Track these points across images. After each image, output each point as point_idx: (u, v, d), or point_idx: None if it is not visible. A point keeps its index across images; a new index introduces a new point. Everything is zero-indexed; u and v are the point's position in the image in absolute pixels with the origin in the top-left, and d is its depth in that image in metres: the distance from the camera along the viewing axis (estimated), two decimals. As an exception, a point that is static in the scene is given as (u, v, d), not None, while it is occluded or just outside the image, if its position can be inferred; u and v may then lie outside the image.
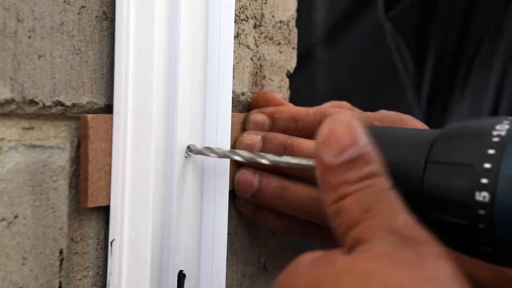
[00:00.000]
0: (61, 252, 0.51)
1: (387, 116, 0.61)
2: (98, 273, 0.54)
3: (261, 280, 0.64)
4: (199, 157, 0.56)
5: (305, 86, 1.34)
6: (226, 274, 0.61)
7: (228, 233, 0.61)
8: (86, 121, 0.51)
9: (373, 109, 0.63)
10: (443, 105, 0.99)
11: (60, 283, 0.51)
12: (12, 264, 0.48)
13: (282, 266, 0.66)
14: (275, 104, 0.61)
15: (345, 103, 0.67)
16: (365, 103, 1.39)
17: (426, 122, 1.00)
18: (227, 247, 0.61)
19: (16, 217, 0.48)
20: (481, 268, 0.68)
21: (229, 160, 0.58)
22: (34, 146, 0.49)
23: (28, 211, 0.49)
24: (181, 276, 0.55)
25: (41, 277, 0.50)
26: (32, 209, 0.49)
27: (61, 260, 0.51)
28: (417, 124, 0.62)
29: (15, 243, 0.48)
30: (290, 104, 0.62)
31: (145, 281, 0.53)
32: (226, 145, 0.58)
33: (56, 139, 0.50)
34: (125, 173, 0.53)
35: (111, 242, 0.53)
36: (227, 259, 0.61)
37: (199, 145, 0.56)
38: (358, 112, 0.62)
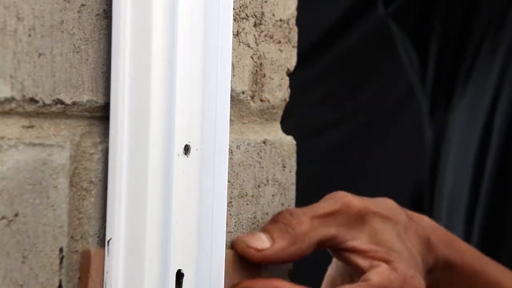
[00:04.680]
0: (61, 250, 0.51)
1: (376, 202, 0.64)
2: (98, 271, 0.54)
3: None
4: (197, 155, 0.56)
5: (308, 84, 1.34)
6: (226, 272, 0.61)
7: (228, 231, 0.61)
8: (88, 256, 0.52)
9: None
10: (447, 99, 1.00)
11: (60, 281, 0.51)
12: (12, 263, 0.48)
13: (282, 265, 0.67)
14: None
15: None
16: (368, 99, 1.39)
17: (431, 115, 1.01)
18: (227, 245, 0.61)
19: (16, 215, 0.48)
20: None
21: (227, 159, 0.58)
22: (34, 145, 0.49)
23: (28, 209, 0.49)
24: (180, 276, 0.55)
25: (41, 276, 0.50)
26: (32, 208, 0.49)
27: (61, 259, 0.51)
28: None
29: (15, 241, 0.48)
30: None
31: (142, 281, 0.53)
32: (224, 144, 0.58)
33: (56, 138, 0.50)
34: (121, 171, 0.53)
35: (108, 241, 0.53)
36: (227, 257, 0.61)
37: (197, 144, 0.56)
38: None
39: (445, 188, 0.99)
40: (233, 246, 0.59)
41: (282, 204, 0.66)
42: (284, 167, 0.66)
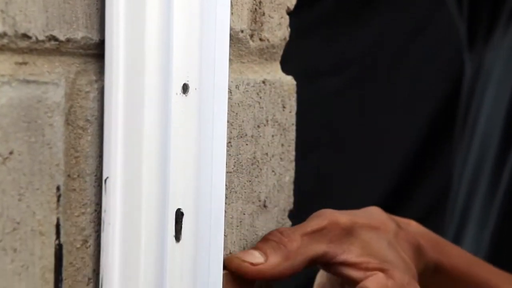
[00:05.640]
0: (58, 188, 0.51)
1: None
2: (96, 210, 0.54)
3: (261, 218, 0.64)
4: (196, 95, 0.56)
5: (307, 28, 1.33)
6: (226, 212, 0.61)
7: (228, 171, 0.61)
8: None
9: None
10: (486, 35, 0.99)
11: (58, 219, 0.51)
12: (8, 200, 0.48)
13: (282, 204, 0.67)
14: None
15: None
16: (369, 45, 1.38)
17: (469, 49, 1.01)
18: (227, 185, 0.61)
19: (11, 153, 0.48)
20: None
21: (226, 99, 0.58)
22: (28, 82, 0.49)
23: (23, 147, 0.49)
24: (179, 215, 0.55)
25: (39, 213, 0.50)
26: (28, 145, 0.49)
27: (58, 197, 0.51)
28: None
29: (11, 179, 0.48)
30: None
31: (140, 219, 0.53)
32: (223, 84, 0.57)
33: (51, 75, 0.50)
34: (117, 110, 0.52)
35: (105, 180, 0.53)
36: (226, 197, 0.61)
37: (195, 83, 0.56)
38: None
39: (477, 128, 0.99)
40: (225, 265, 0.59)
41: (282, 145, 0.66)
42: (284, 107, 0.66)
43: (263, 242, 0.61)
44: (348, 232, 0.63)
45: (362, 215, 0.65)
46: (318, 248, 0.62)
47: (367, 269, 0.62)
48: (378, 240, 0.63)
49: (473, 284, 0.71)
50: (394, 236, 0.64)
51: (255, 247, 0.61)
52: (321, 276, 0.69)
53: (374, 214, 0.66)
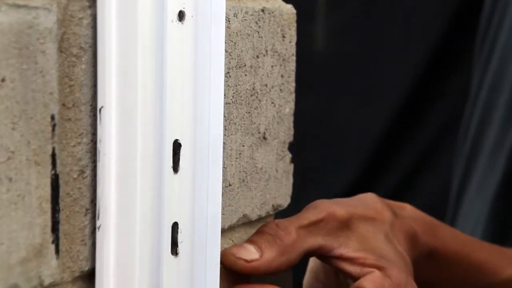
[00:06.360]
0: (52, 117, 0.50)
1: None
2: (92, 140, 0.53)
3: (261, 150, 0.64)
4: (192, 23, 0.54)
5: None
6: (225, 143, 0.60)
7: (226, 103, 0.60)
8: None
9: None
10: None
11: (54, 149, 0.51)
12: (1, 129, 0.47)
13: (282, 136, 0.66)
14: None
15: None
16: None
17: None
18: (225, 117, 0.60)
19: (3, 80, 0.47)
20: (475, 273, 0.69)
21: (224, 28, 0.56)
22: (18, 6, 0.47)
23: (15, 74, 0.48)
24: (177, 145, 0.55)
25: (33, 143, 0.49)
26: (20, 73, 0.48)
27: (53, 126, 0.50)
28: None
29: (4, 107, 0.47)
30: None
31: (136, 149, 0.52)
32: (220, 12, 0.56)
33: (42, 0, 0.49)
34: (110, 37, 0.51)
35: (100, 109, 0.52)
36: (225, 129, 0.60)
37: (192, 10, 0.55)
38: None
39: (495, 50, 0.97)
40: (220, 260, 0.58)
41: (282, 76, 0.65)
42: (283, 37, 0.64)
43: (259, 235, 0.61)
44: (345, 225, 0.62)
45: (359, 205, 0.64)
46: (314, 241, 0.61)
47: (363, 265, 0.61)
48: (375, 233, 0.63)
49: (471, 266, 0.70)
50: (390, 227, 0.64)
51: (250, 241, 0.60)
52: (314, 261, 0.68)
53: (370, 203, 0.65)
